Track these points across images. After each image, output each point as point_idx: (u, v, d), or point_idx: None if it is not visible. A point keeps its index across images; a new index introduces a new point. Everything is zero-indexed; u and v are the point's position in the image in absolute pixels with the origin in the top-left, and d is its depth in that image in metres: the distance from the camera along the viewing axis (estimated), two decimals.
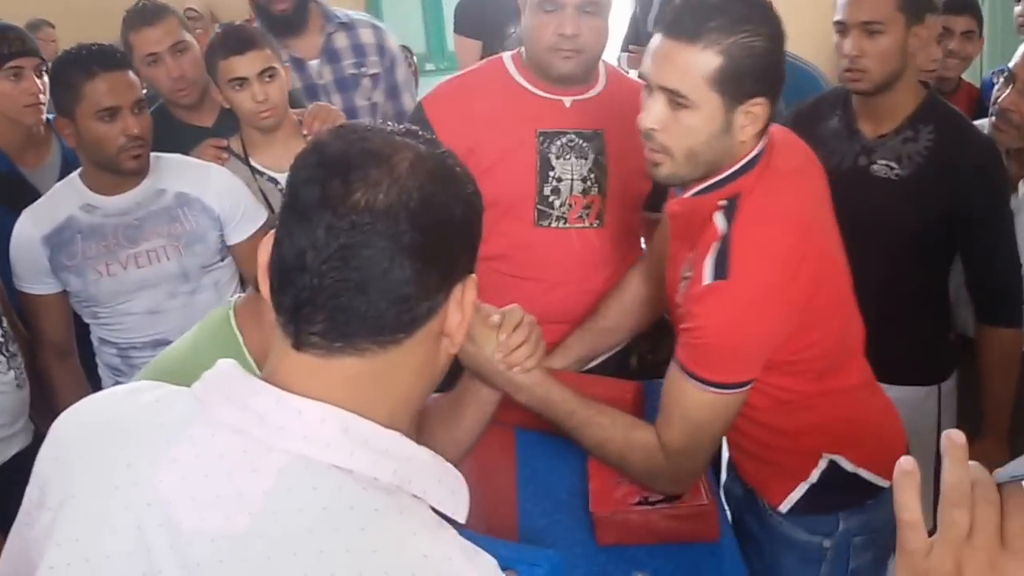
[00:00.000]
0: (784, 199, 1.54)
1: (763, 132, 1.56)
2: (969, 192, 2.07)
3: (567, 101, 2.13)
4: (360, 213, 0.82)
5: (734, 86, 1.47)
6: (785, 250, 1.48)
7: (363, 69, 3.01)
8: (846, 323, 1.64)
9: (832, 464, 1.69)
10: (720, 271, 1.47)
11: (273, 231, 0.88)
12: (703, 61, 1.46)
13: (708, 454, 1.61)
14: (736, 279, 1.46)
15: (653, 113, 1.52)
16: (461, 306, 0.90)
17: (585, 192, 2.13)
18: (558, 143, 2.12)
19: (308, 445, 0.82)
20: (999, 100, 2.28)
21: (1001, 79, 2.33)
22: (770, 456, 1.73)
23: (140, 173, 2.22)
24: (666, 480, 1.64)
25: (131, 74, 2.20)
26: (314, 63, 2.97)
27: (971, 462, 0.71)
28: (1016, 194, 2.29)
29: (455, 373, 1.59)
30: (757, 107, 1.50)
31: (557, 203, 2.12)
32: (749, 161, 1.54)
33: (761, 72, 1.48)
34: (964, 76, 3.38)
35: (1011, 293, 2.18)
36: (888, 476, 1.70)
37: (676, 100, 1.49)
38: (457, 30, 3.86)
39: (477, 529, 1.59)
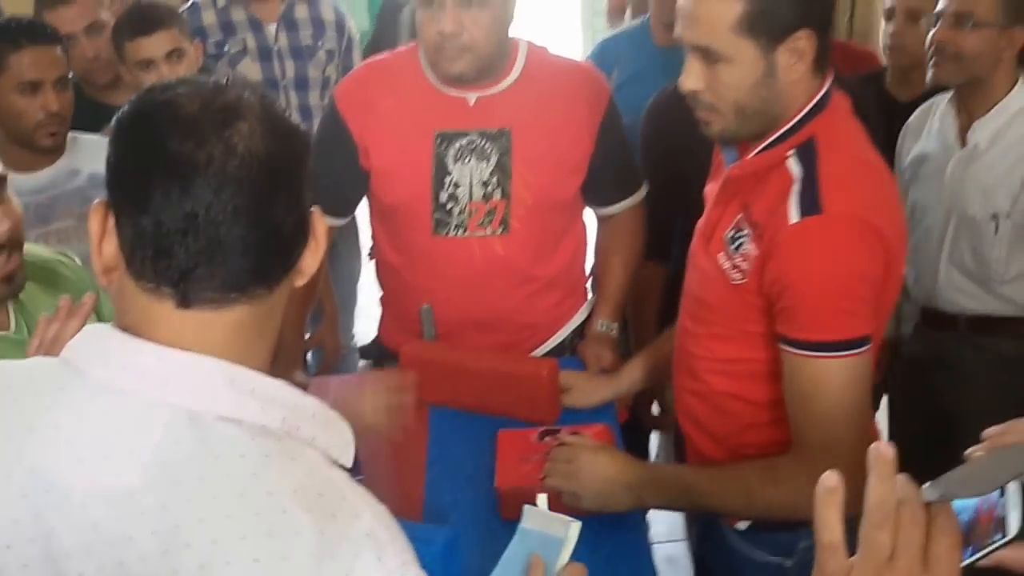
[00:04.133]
0: (865, 147, 1.48)
1: (822, 66, 1.46)
2: None
3: (471, 98, 1.99)
4: (248, 168, 0.83)
5: (766, 27, 1.39)
6: (875, 196, 1.42)
7: (320, 43, 3.05)
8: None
9: None
10: (810, 207, 1.38)
11: (101, 200, 0.88)
12: (724, 10, 1.40)
13: (856, 445, 1.40)
14: (832, 212, 1.37)
15: (692, 75, 1.46)
16: (315, 237, 0.93)
17: (486, 197, 1.99)
18: (457, 145, 1.98)
19: (194, 398, 0.83)
20: (931, 37, 2.28)
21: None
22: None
23: (56, 151, 2.21)
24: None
25: (58, 51, 2.19)
26: (271, 26, 3.01)
27: (899, 475, 0.68)
28: (966, 144, 2.27)
29: None
30: (800, 41, 1.41)
31: (456, 210, 2.00)
32: (819, 102, 1.47)
33: (795, 3, 1.40)
34: None
35: None
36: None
37: (710, 56, 1.43)
38: None
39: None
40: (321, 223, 0.94)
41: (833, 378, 1.41)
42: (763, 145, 1.49)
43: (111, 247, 0.88)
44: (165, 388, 0.83)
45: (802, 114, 1.46)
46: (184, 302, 0.85)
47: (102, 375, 0.85)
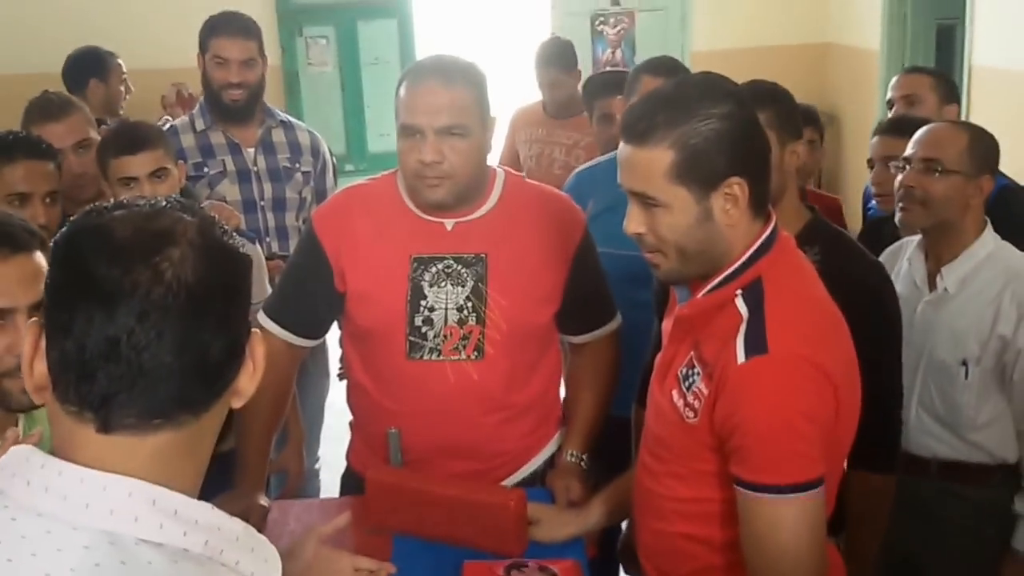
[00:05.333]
0: (812, 285, 1.53)
1: (761, 209, 1.52)
2: (859, 313, 1.68)
3: (448, 224, 2.01)
4: (175, 295, 0.83)
5: (697, 175, 1.45)
6: (821, 335, 1.46)
7: (297, 165, 3.12)
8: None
9: None
10: (756, 347, 1.42)
11: (35, 320, 0.88)
12: (657, 159, 1.46)
13: None
14: (777, 352, 1.41)
15: (633, 219, 1.52)
16: (253, 359, 0.93)
17: (461, 322, 1.99)
18: (433, 269, 2.00)
19: (115, 521, 0.82)
20: (900, 181, 2.32)
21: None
22: None
23: None
24: None
25: (51, 166, 2.26)
26: (250, 150, 3.08)
27: None
28: (935, 288, 2.30)
29: None
30: (733, 187, 1.47)
31: (431, 334, 1.99)
32: (764, 242, 1.52)
33: (725, 153, 1.45)
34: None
35: (887, 433, 1.98)
36: None
37: (648, 202, 1.49)
38: None
39: None
40: (260, 345, 0.94)
41: (786, 520, 1.42)
42: (711, 285, 1.53)
43: (42, 367, 0.88)
44: (86, 510, 0.82)
45: (748, 255, 1.51)
46: (105, 427, 0.85)
47: (23, 496, 0.84)
